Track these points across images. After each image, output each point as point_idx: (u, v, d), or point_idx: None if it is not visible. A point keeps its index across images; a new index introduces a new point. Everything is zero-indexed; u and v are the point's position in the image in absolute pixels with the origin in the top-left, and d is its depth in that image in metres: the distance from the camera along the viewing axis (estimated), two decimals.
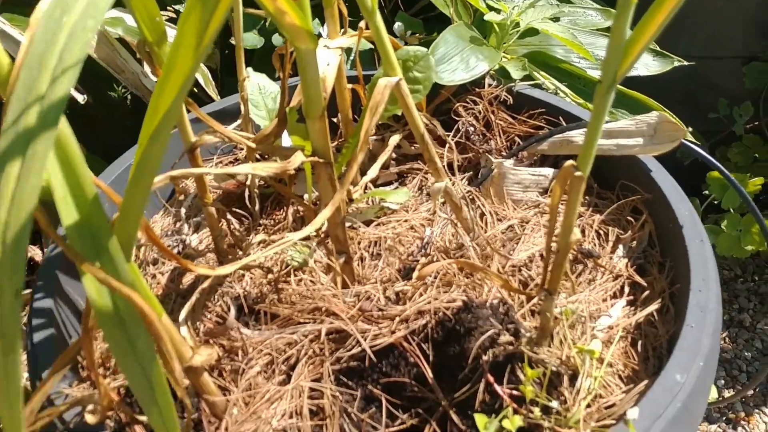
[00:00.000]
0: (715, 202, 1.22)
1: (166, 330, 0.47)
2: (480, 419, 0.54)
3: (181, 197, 0.76)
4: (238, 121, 0.76)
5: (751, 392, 1.16)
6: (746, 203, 0.74)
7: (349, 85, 0.75)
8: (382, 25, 0.53)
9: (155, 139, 0.34)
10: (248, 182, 0.78)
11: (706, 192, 1.23)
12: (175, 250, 0.76)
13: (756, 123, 1.34)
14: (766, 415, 1.12)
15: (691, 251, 0.63)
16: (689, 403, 0.52)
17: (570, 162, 0.47)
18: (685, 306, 0.58)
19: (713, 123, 1.32)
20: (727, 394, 1.15)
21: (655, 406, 0.51)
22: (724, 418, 1.13)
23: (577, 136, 0.78)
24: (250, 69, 0.77)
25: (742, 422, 1.12)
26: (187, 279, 0.73)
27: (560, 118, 0.82)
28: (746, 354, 1.21)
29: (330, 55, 0.57)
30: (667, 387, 0.52)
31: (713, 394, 1.00)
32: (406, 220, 0.79)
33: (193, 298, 0.57)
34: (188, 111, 0.57)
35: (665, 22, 0.37)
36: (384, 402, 0.62)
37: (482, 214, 0.77)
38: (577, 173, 0.47)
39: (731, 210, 1.17)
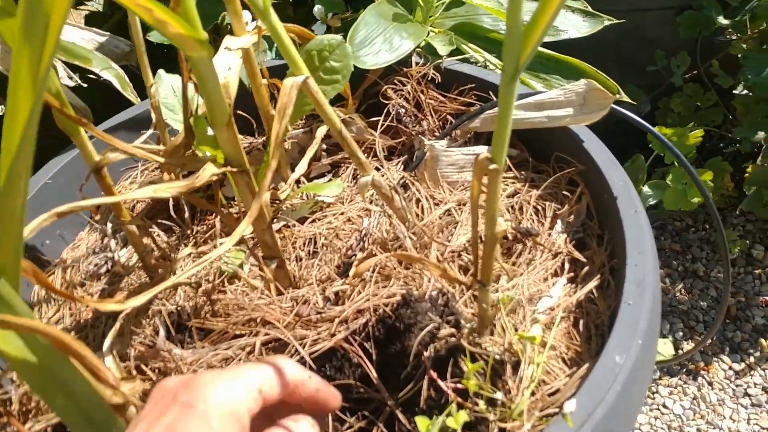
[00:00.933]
0: (662, 155, 1.21)
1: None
2: (421, 423, 0.52)
3: (97, 217, 0.73)
4: (151, 130, 0.72)
5: (708, 341, 1.17)
6: (680, 162, 0.73)
7: (265, 81, 0.72)
8: (278, 25, 0.50)
9: (12, 183, 0.31)
10: None
11: (652, 146, 1.22)
12: (104, 269, 0.73)
13: (695, 72, 1.33)
14: (724, 362, 1.14)
15: (626, 224, 0.61)
16: (630, 383, 0.51)
17: (484, 155, 0.45)
18: (622, 282, 0.57)
19: (652, 76, 1.31)
20: (685, 345, 1.16)
21: (595, 391, 0.50)
22: (684, 370, 1.14)
23: None
24: (161, 71, 0.73)
25: (702, 372, 1.13)
26: (118, 299, 0.70)
27: (490, 92, 0.80)
28: (702, 304, 1.22)
29: (231, 58, 0.53)
30: (606, 370, 0.51)
31: (670, 351, 1.01)
32: (342, 213, 0.77)
33: (117, 325, 0.55)
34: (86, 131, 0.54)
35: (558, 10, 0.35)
36: None
37: (418, 201, 0.75)
38: (492, 166, 0.45)
39: (675, 164, 1.17)
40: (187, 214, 0.77)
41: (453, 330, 0.59)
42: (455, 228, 0.72)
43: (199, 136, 0.56)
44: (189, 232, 0.76)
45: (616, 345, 0.53)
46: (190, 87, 0.72)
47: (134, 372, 0.62)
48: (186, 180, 0.49)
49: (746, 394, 1.09)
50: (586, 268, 0.65)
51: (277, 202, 0.74)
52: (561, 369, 0.57)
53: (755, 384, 1.10)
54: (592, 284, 0.62)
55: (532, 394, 0.55)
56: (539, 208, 0.72)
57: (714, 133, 1.37)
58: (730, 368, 1.12)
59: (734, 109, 1.33)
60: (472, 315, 0.62)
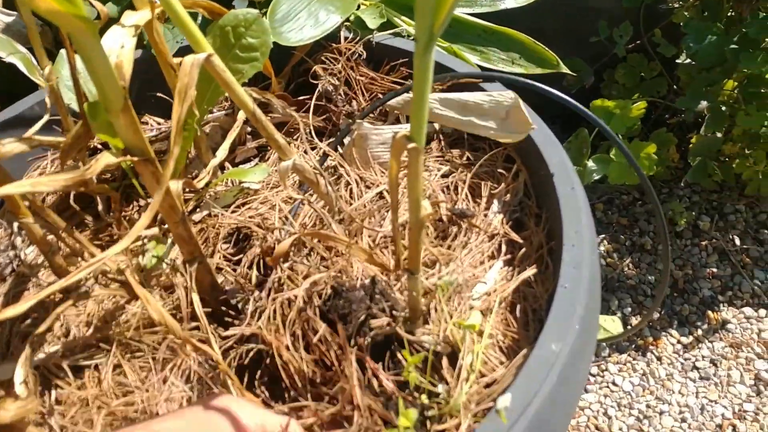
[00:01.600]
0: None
1: None
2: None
3: None
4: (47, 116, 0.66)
5: (657, 316, 1.16)
6: (614, 143, 0.70)
7: (177, 60, 0.66)
8: None
9: None
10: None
11: None
12: (9, 268, 0.67)
13: (638, 42, 1.31)
14: (672, 336, 1.13)
15: (563, 201, 0.58)
16: (567, 371, 0.48)
17: (402, 133, 0.41)
18: (558, 264, 0.54)
19: (596, 47, 1.29)
20: (634, 320, 1.15)
21: (531, 382, 0.47)
22: (633, 346, 1.13)
23: None
24: (63, 51, 0.68)
25: (651, 347, 1.12)
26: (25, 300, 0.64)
27: None
28: (649, 278, 1.21)
29: (124, 36, 0.48)
30: (542, 359, 0.48)
31: (619, 328, 0.99)
32: (269, 199, 0.72)
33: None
34: None
35: None
36: None
37: (348, 184, 0.71)
38: (411, 145, 0.41)
39: (619, 137, 1.14)
40: (100, 207, 0.71)
41: (389, 319, 0.56)
42: (387, 212, 0.68)
43: (95, 123, 0.50)
44: (100, 226, 0.70)
45: (552, 332, 0.49)
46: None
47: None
48: (73, 172, 0.44)
49: (694, 368, 1.08)
50: (524, 250, 0.62)
51: (198, 190, 0.69)
52: (498, 358, 0.54)
53: (703, 357, 1.09)
54: (530, 267, 0.59)
55: (471, 386, 0.52)
56: (475, 187, 0.69)
57: (659, 103, 1.35)
58: (679, 342, 1.11)
59: (678, 79, 1.31)
60: (406, 303, 0.58)
